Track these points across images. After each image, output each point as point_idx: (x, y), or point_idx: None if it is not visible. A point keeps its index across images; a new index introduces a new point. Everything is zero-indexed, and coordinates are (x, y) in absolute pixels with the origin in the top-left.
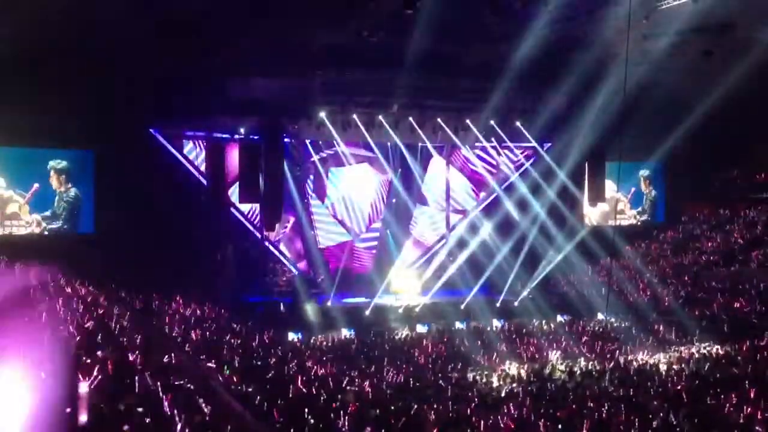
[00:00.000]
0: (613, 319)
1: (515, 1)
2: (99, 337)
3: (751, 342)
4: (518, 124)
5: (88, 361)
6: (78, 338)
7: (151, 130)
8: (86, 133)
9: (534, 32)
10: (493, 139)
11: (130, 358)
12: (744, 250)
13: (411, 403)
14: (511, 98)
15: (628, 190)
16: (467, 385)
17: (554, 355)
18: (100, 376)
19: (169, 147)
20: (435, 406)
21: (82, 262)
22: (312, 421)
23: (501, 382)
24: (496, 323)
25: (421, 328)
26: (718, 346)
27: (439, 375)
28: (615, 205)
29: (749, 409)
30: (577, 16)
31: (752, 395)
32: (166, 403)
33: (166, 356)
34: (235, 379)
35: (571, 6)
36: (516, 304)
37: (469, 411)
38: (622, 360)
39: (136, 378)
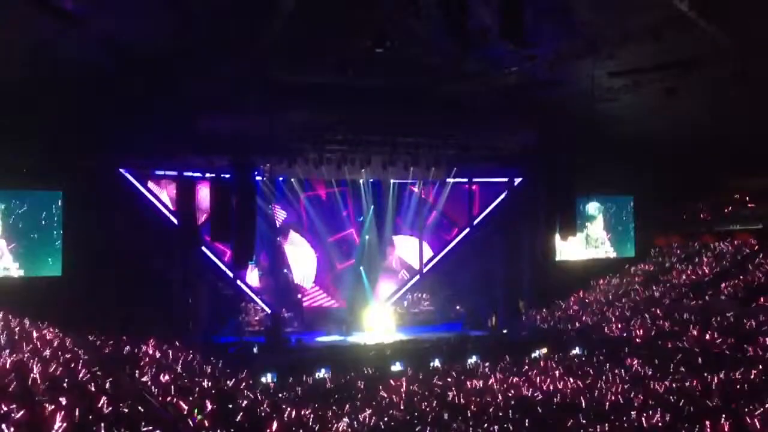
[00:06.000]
0: (587, 354)
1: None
2: (65, 383)
3: (724, 374)
4: (489, 159)
5: (53, 408)
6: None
7: (120, 169)
8: (53, 174)
9: (504, 70)
10: (464, 175)
11: (98, 405)
12: (714, 282)
13: None
14: (483, 134)
15: (599, 224)
16: (443, 424)
17: (530, 391)
18: (65, 424)
19: (139, 186)
20: None
21: (49, 306)
22: None
23: (476, 420)
24: (471, 360)
25: (395, 367)
26: (692, 379)
27: (415, 414)
28: (585, 239)
29: None
30: (544, 54)
31: (726, 428)
32: None
33: (135, 401)
34: (206, 423)
35: (538, 45)
36: (491, 340)
37: None
38: (597, 394)
39: (102, 426)
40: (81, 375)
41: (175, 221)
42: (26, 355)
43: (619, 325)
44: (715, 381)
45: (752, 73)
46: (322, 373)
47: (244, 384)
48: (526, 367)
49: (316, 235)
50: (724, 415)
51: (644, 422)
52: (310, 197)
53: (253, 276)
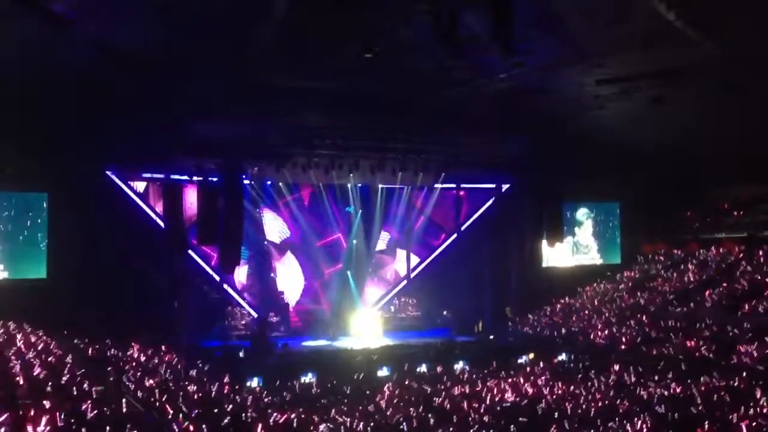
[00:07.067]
0: (572, 360)
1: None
2: (49, 387)
3: (709, 381)
4: (477, 165)
5: (36, 411)
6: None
7: (107, 171)
8: (39, 176)
9: (493, 77)
10: (452, 181)
11: (82, 408)
12: (698, 290)
13: None
14: (471, 140)
15: (587, 231)
16: (429, 428)
17: (515, 397)
18: (48, 428)
19: (126, 189)
20: None
21: (34, 309)
22: None
23: (462, 425)
24: (458, 365)
25: (382, 371)
26: (676, 386)
27: (401, 419)
28: (573, 245)
29: None
30: (533, 61)
31: None
32: None
33: (119, 405)
34: (191, 427)
35: (527, 54)
36: (477, 345)
37: None
38: (582, 400)
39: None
40: (65, 378)
41: (162, 224)
42: (10, 358)
43: (605, 332)
44: (700, 387)
45: (739, 81)
46: (308, 378)
47: (229, 388)
48: (513, 372)
49: (305, 243)
50: (708, 422)
51: (629, 428)
52: (296, 200)
53: (241, 272)
